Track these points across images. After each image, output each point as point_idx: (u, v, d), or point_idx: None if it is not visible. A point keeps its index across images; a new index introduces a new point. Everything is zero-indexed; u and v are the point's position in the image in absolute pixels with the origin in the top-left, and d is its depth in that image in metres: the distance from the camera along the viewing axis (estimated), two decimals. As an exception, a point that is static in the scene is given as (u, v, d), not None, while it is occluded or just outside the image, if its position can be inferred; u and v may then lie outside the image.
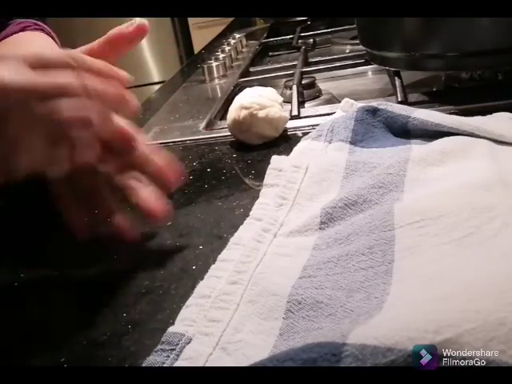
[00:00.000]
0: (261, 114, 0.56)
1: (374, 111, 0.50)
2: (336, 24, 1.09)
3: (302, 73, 0.76)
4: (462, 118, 0.46)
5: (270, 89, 0.60)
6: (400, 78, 0.64)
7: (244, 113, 0.56)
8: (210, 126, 0.68)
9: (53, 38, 0.61)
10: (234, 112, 0.58)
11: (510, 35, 0.53)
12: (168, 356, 0.29)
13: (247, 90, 0.60)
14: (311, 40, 1.06)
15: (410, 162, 0.41)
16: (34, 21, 0.61)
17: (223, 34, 1.33)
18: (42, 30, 0.61)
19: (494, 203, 0.33)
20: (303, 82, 0.73)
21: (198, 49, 1.98)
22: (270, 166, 0.47)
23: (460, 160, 0.41)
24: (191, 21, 2.55)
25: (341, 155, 0.46)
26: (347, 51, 0.95)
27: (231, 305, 0.32)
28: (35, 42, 0.57)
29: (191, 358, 0.29)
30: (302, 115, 0.64)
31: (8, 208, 0.49)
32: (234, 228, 0.40)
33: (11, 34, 0.58)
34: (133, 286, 0.38)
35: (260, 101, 0.57)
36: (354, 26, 0.76)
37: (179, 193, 0.52)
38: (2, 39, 0.58)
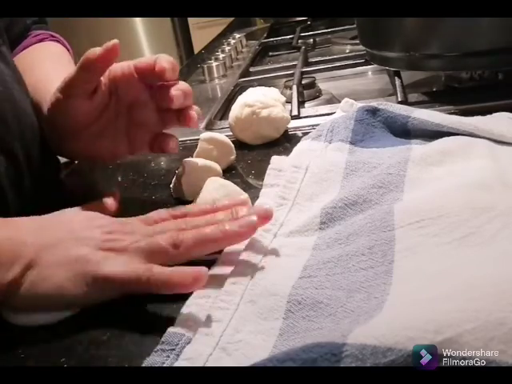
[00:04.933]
0: (263, 113, 0.56)
1: (373, 111, 0.50)
2: (336, 24, 1.09)
3: (302, 73, 0.76)
4: (462, 117, 0.46)
5: (273, 89, 0.60)
6: (400, 78, 0.64)
7: (247, 111, 0.56)
8: (210, 125, 0.68)
9: (67, 48, 0.66)
10: (236, 109, 0.58)
11: (509, 35, 0.53)
12: (168, 356, 0.29)
13: (251, 90, 0.60)
14: (311, 40, 1.06)
15: (409, 162, 0.41)
16: (50, 32, 0.65)
17: (223, 34, 1.33)
18: (58, 41, 0.65)
19: (493, 203, 0.33)
20: (303, 82, 0.73)
21: (198, 49, 1.98)
22: (269, 166, 0.47)
23: (460, 160, 0.41)
24: (191, 21, 2.54)
25: (341, 155, 0.46)
26: (347, 51, 0.95)
27: (231, 305, 0.32)
28: (51, 50, 0.62)
29: (191, 358, 0.29)
30: (302, 115, 0.64)
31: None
32: (234, 228, 0.40)
33: (31, 45, 0.62)
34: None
35: (263, 100, 0.57)
36: (354, 25, 0.76)
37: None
38: (23, 49, 0.62)
